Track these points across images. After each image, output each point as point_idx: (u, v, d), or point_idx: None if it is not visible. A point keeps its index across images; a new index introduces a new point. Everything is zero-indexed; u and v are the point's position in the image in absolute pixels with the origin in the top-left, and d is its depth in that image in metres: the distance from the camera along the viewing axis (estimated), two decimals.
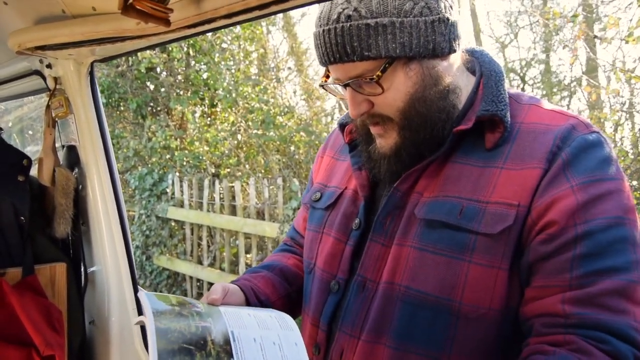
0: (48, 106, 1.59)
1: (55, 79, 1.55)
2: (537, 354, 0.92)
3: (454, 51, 1.06)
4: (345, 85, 1.06)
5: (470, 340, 0.99)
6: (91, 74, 1.54)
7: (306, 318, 1.24)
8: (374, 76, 1.00)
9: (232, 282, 1.27)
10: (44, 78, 1.58)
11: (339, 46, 0.99)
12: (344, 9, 0.99)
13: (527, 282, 0.97)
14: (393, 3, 0.98)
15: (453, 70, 1.09)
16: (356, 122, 1.16)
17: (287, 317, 1.10)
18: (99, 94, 1.59)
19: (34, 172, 1.61)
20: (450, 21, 1.03)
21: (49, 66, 1.53)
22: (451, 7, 1.04)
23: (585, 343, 0.89)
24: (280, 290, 1.32)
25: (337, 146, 1.37)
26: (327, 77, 1.13)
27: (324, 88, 1.16)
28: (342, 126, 1.29)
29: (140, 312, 1.66)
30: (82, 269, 1.68)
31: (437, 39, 1.02)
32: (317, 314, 1.18)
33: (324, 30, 1.01)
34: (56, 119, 1.60)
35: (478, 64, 1.15)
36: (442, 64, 1.06)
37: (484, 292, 0.97)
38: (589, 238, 0.92)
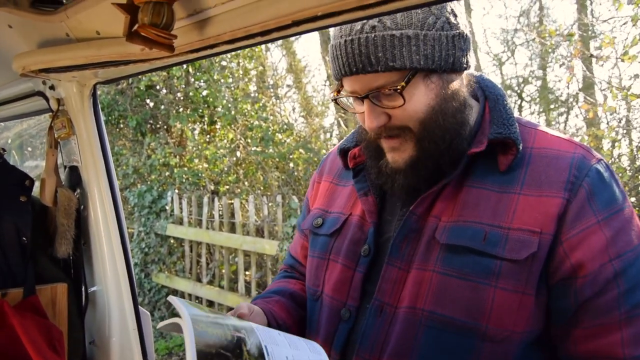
0: (51, 127, 1.60)
1: (58, 101, 1.56)
2: None
3: (469, 67, 1.09)
4: (363, 98, 1.05)
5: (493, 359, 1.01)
6: (94, 95, 1.55)
7: None
8: (398, 87, 1.00)
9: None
10: (46, 99, 1.59)
11: (363, 56, 0.99)
12: (367, 20, 1.00)
13: (575, 322, 1.00)
14: (417, 16, 1.00)
15: (465, 88, 1.12)
16: (367, 136, 1.15)
17: (315, 343, 1.10)
18: (101, 115, 1.61)
19: (36, 192, 1.62)
20: (468, 38, 1.06)
21: (52, 88, 1.54)
22: (466, 25, 1.07)
23: None
24: (294, 315, 1.31)
25: (334, 171, 1.36)
26: (338, 91, 1.12)
27: (336, 102, 1.15)
28: (343, 151, 1.29)
29: (140, 331, 1.65)
30: (83, 289, 1.68)
31: (457, 53, 1.04)
32: (328, 343, 1.16)
33: (346, 41, 1.01)
34: (58, 140, 1.61)
35: (480, 88, 1.18)
36: (458, 79, 1.08)
37: (508, 316, 0.99)
38: (626, 273, 0.96)
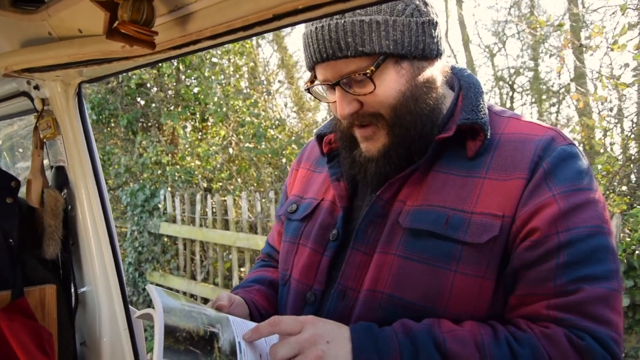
0: (36, 127, 1.58)
1: (43, 100, 1.54)
2: (512, 326, 0.97)
3: (441, 55, 1.09)
4: (334, 86, 1.06)
5: None
6: (79, 94, 1.54)
7: None
8: (367, 71, 1.00)
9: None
10: (31, 99, 1.58)
11: (333, 42, 1.00)
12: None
13: (512, 289, 1.00)
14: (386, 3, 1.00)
15: (439, 77, 1.12)
16: (341, 126, 1.16)
17: None
18: (87, 115, 1.59)
19: (22, 193, 1.60)
20: (438, 25, 1.07)
21: (36, 87, 1.53)
22: (437, 13, 1.08)
23: (559, 330, 0.92)
24: (275, 303, 1.32)
25: (312, 158, 1.37)
26: (312, 82, 1.13)
27: (309, 92, 1.16)
28: (320, 137, 1.30)
29: (131, 331, 1.64)
30: (73, 290, 1.67)
31: (427, 40, 1.04)
32: None
33: (316, 28, 1.02)
34: (44, 140, 1.60)
35: (457, 78, 1.19)
36: (430, 67, 1.08)
37: (468, 301, 0.99)
38: (571, 246, 0.94)
